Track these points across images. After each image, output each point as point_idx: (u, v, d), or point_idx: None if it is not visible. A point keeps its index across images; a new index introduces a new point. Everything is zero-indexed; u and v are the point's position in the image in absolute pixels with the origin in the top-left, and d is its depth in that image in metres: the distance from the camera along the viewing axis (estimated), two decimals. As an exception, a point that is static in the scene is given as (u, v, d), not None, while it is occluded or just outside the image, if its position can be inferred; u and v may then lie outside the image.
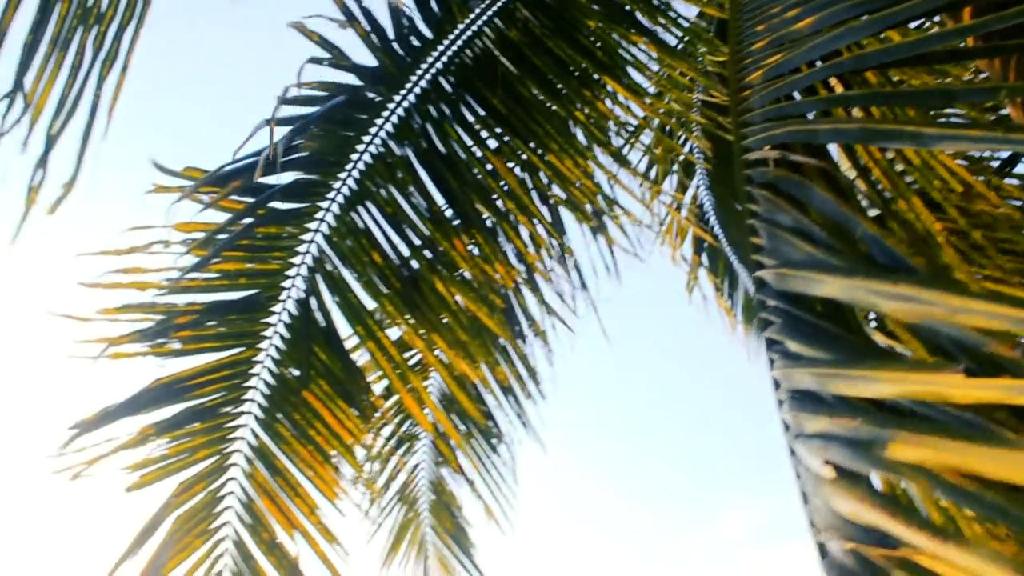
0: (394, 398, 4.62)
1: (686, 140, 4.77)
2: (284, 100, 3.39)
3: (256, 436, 3.48)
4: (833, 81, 3.01)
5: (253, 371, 3.51)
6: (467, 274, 3.76)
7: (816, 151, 2.64)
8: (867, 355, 1.78)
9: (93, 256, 3.26)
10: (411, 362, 4.42)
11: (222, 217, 3.46)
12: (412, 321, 3.66)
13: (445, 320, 3.73)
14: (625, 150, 4.32)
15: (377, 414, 4.52)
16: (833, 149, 3.31)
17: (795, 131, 2.27)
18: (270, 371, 3.54)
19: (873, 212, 3.03)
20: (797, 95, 2.53)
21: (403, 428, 5.14)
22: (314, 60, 3.43)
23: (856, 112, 3.00)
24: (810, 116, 2.40)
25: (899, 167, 2.99)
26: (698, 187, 5.63)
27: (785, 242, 2.00)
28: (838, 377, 1.65)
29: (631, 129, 4.17)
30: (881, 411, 1.58)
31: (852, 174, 3.07)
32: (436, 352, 3.80)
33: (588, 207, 3.91)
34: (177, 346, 3.37)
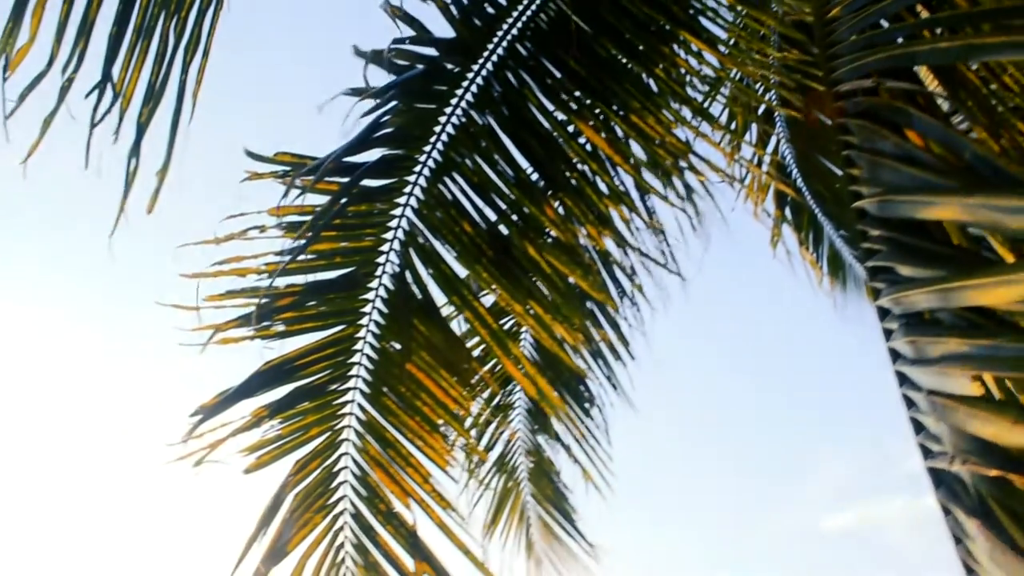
0: (487, 366, 4.66)
1: (766, 90, 4.73)
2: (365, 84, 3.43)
3: (364, 411, 3.54)
4: (919, 8, 2.97)
5: (356, 347, 3.57)
6: (557, 238, 3.77)
7: (908, 78, 2.61)
8: (987, 265, 1.77)
9: (193, 246, 3.32)
10: (505, 328, 4.47)
11: (314, 200, 3.52)
12: (506, 288, 3.69)
13: (538, 284, 3.76)
14: (705, 104, 4.31)
15: (474, 383, 4.56)
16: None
17: (891, 56, 2.25)
18: (372, 346, 3.59)
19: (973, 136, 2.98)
20: (884, 23, 2.49)
21: (497, 398, 5.20)
22: (397, 41, 3.46)
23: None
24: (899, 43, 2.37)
25: (994, 87, 2.94)
26: (779, 141, 5.59)
27: (888, 168, 1.99)
28: (965, 289, 1.65)
29: (710, 83, 4.15)
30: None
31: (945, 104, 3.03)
32: (529, 317, 3.83)
33: (670, 165, 3.90)
34: (281, 328, 3.44)
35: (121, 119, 2.90)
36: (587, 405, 5.11)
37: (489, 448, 5.23)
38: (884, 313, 1.99)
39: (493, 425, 5.30)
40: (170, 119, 2.95)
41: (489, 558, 3.86)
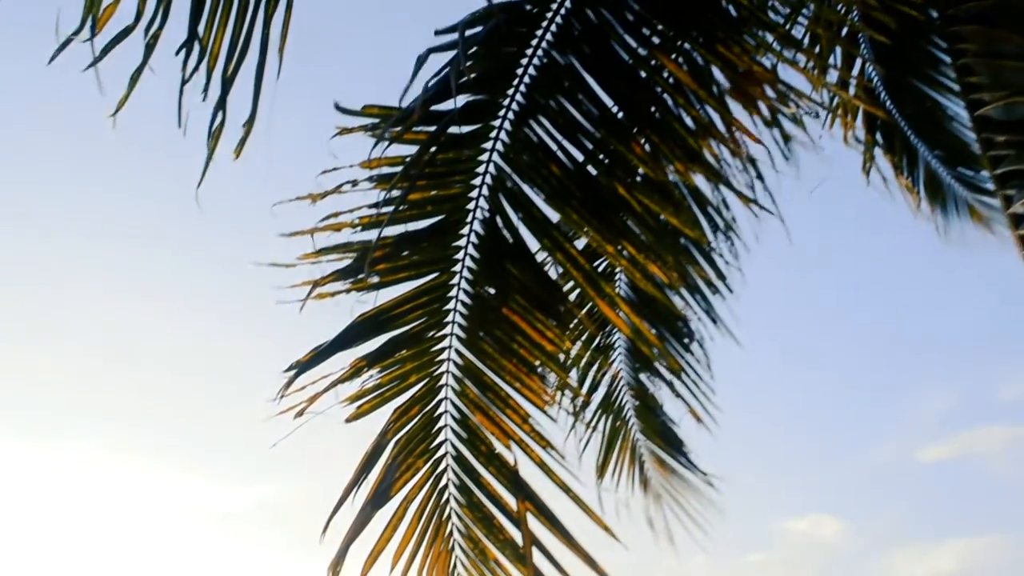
0: (584, 308, 4.66)
1: (847, 11, 4.58)
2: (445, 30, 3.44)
3: (462, 355, 3.60)
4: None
5: (450, 294, 3.62)
6: (646, 176, 3.75)
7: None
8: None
9: (288, 203, 3.39)
10: (599, 269, 4.48)
11: (402, 151, 3.55)
12: (597, 229, 3.69)
13: (630, 224, 3.75)
14: (787, 28, 4.19)
15: (573, 325, 4.59)
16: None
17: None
18: (466, 292, 3.64)
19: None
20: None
21: (597, 340, 5.22)
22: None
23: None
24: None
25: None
26: (864, 63, 5.42)
27: (1011, 70, 1.91)
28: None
29: (791, 5, 4.03)
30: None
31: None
32: (622, 257, 3.83)
33: (757, 93, 3.82)
34: (376, 280, 3.50)
35: (209, 77, 2.95)
36: (686, 341, 5.09)
37: (593, 389, 5.27)
38: (1019, 220, 1.95)
39: (595, 367, 5.33)
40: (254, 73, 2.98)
41: (603, 498, 3.93)
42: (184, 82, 2.82)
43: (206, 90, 2.88)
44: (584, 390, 5.19)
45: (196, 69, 2.87)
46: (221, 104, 2.89)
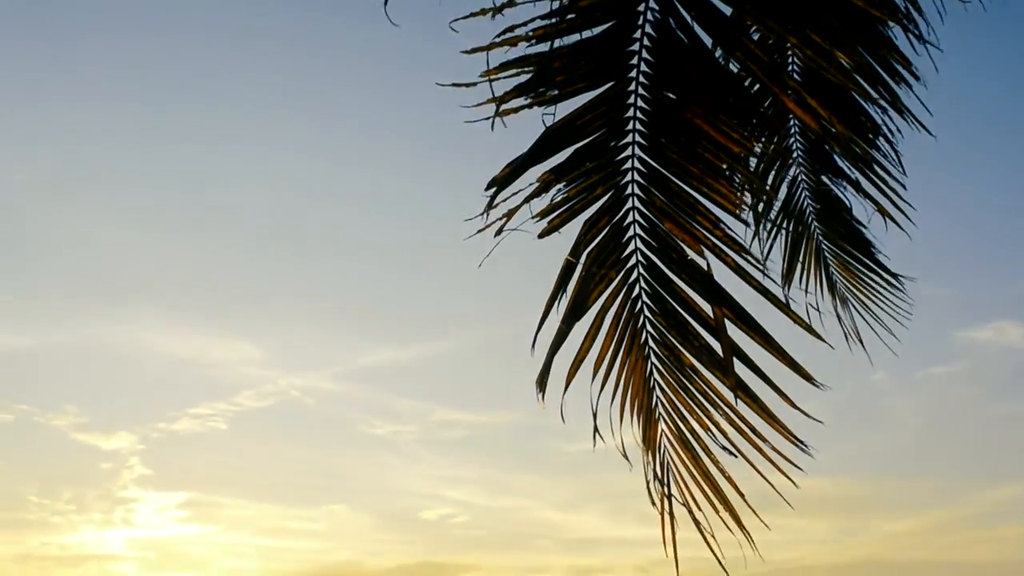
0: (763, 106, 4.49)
1: None
2: None
3: (645, 163, 3.52)
4: None
5: (628, 101, 3.52)
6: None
7: None
8: None
9: (462, 21, 3.33)
10: (779, 62, 4.29)
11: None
12: (776, 19, 3.51)
13: (811, 12, 3.55)
14: None
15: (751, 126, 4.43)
16: None
17: None
18: (644, 98, 3.53)
19: None
20: None
21: (776, 140, 5.05)
22: None
23: None
24: None
25: None
26: None
27: None
28: None
29: None
30: None
31: None
32: (804, 47, 3.64)
33: None
34: (555, 92, 3.43)
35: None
36: (871, 136, 4.87)
37: (771, 198, 5.13)
38: None
39: (773, 171, 5.18)
40: None
41: (791, 305, 3.84)
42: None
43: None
44: (764, 198, 5.05)
45: None
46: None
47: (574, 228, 3.49)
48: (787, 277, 5.25)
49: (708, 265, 3.43)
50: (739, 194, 3.57)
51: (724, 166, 3.54)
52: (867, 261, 5.28)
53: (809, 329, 3.34)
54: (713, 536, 3.34)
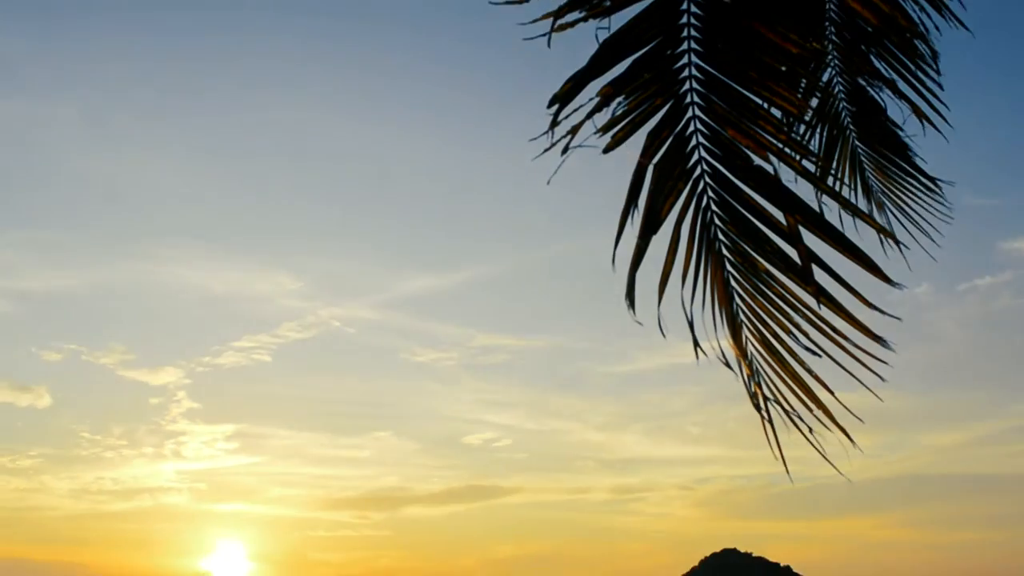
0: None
1: None
2: None
3: (703, 71, 3.44)
4: None
5: (681, 7, 3.43)
6: None
7: None
8: None
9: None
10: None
11: None
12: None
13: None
14: None
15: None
16: None
17: None
18: (697, 3, 3.44)
19: None
20: None
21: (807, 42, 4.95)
22: None
23: None
24: None
25: None
26: None
27: None
28: None
29: None
30: None
31: None
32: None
33: None
34: (608, 3, 3.34)
35: None
36: (907, 35, 4.79)
37: (809, 95, 5.03)
38: None
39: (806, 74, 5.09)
40: None
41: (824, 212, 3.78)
42: None
43: None
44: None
45: None
46: None
47: (637, 141, 3.41)
48: (822, 179, 5.18)
49: (775, 170, 3.36)
50: (801, 97, 3.49)
51: (783, 68, 3.47)
52: (904, 164, 5.22)
53: (884, 231, 3.29)
54: (811, 431, 3.30)
